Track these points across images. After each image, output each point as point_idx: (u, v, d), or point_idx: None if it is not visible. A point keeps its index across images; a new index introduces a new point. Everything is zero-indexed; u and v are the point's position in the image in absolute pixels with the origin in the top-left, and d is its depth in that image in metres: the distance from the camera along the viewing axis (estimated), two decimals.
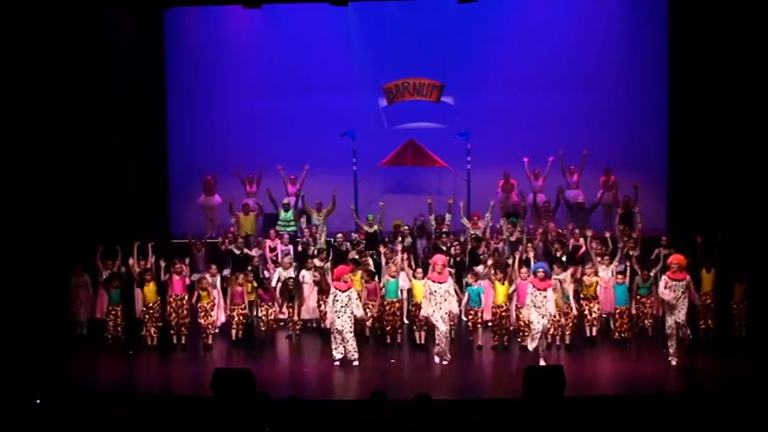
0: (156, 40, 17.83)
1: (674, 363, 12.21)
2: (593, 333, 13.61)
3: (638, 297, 13.61)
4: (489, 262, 13.93)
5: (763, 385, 10.84)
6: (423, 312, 12.68)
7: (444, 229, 15.88)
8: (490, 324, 13.46)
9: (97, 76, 15.89)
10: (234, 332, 13.83)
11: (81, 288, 14.67)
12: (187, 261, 14.69)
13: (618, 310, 13.47)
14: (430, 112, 19.00)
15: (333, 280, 12.43)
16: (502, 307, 13.19)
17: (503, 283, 13.18)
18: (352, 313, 12.39)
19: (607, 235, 14.82)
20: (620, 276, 13.66)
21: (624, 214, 16.69)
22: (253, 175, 18.23)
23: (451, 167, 18.55)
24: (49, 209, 14.93)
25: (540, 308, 12.19)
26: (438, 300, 12.22)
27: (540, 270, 12.40)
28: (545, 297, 12.21)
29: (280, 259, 15.20)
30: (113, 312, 13.80)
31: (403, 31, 18.92)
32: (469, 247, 15.16)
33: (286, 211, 17.24)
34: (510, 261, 13.94)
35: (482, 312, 13.39)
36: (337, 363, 12.50)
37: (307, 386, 11.96)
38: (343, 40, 19.12)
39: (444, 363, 12.50)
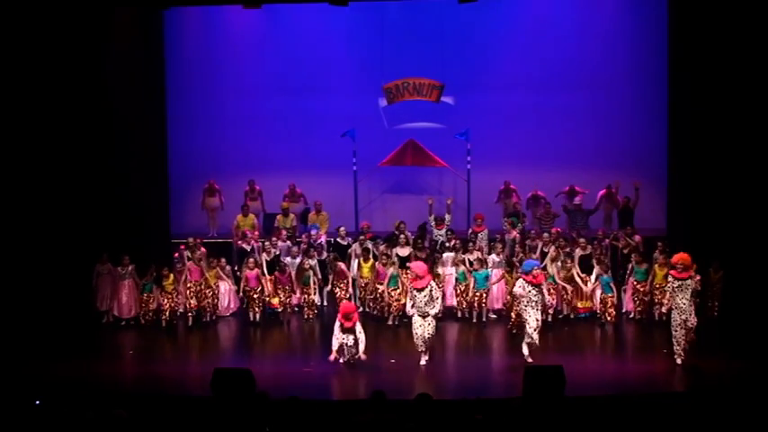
0: (156, 40, 17.82)
1: (679, 361, 12.15)
2: (568, 311, 14.71)
3: (635, 283, 14.32)
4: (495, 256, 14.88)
5: (760, 384, 10.82)
6: (407, 311, 13.00)
7: (443, 230, 15.90)
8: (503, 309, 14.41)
9: (97, 76, 15.88)
10: (251, 314, 14.72)
11: (104, 276, 14.91)
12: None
13: (607, 297, 14.13)
14: (430, 112, 19.01)
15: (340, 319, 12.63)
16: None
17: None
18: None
19: (606, 241, 15.05)
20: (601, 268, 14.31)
21: (624, 213, 16.72)
22: None
23: (451, 167, 18.56)
24: (49, 210, 14.92)
25: (533, 303, 12.31)
26: (418, 303, 12.48)
27: (535, 268, 12.50)
28: (538, 292, 12.36)
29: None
30: (147, 298, 14.63)
31: (403, 31, 18.94)
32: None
33: (285, 215, 17.25)
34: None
35: (487, 293, 14.49)
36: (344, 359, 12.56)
37: (307, 386, 11.94)
38: (343, 40, 19.14)
39: (422, 363, 12.52)
